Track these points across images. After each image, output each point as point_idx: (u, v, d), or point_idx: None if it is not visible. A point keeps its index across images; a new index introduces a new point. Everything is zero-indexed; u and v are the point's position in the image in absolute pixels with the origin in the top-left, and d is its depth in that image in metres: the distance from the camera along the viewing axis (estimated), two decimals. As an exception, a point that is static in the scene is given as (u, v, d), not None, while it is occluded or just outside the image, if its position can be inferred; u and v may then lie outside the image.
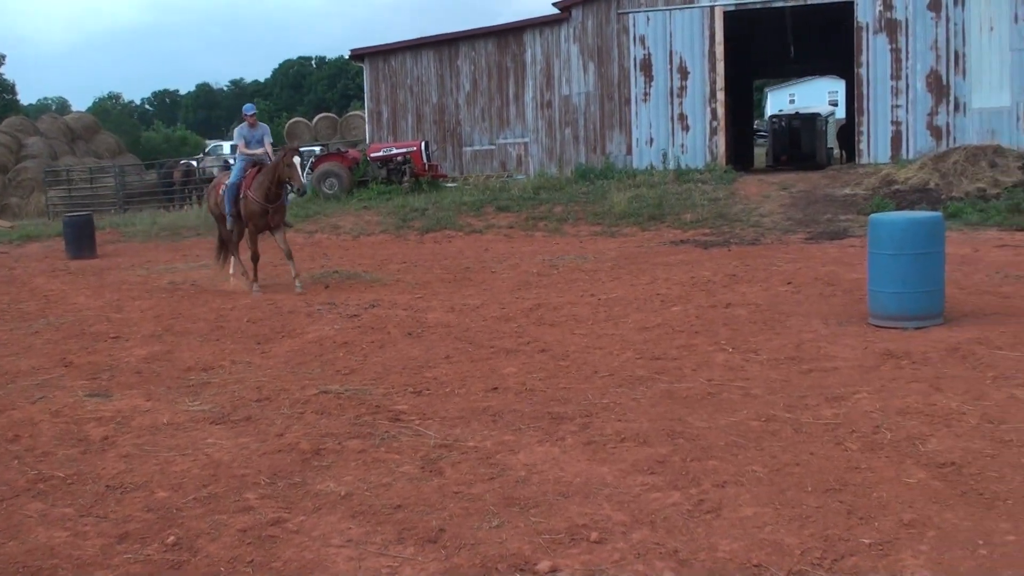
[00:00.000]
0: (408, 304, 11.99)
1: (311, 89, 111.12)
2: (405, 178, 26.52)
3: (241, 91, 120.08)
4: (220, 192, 14.96)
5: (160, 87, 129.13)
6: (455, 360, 8.83)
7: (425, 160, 27.03)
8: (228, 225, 14.69)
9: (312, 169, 27.86)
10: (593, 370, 8.20)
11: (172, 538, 4.91)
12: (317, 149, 36.06)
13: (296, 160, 13.76)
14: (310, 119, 44.69)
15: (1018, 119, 24.54)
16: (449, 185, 27.55)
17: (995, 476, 5.25)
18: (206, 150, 50.87)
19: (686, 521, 4.87)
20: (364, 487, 5.54)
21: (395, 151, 27.25)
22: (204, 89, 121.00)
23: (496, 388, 7.72)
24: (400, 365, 8.68)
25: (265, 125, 15.31)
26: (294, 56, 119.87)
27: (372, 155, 27.55)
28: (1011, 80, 24.69)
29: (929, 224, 9.43)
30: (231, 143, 13.13)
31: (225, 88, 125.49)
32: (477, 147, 29.52)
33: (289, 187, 14.04)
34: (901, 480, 5.27)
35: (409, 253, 18.32)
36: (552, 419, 6.75)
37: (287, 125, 44.77)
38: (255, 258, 14.31)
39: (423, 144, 27.35)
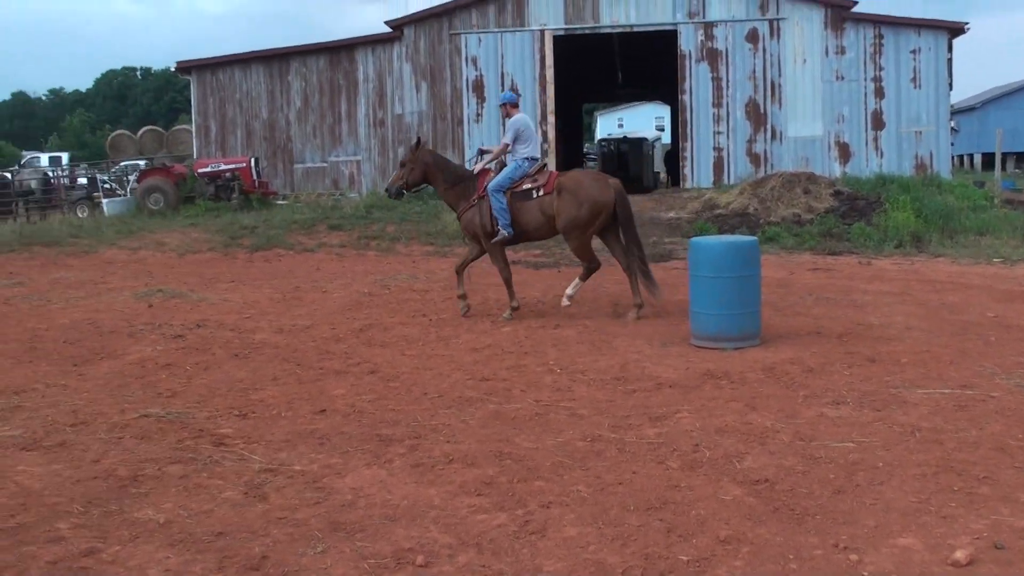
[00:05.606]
0: (235, 324, 11.71)
1: (136, 101, 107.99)
2: (233, 195, 26.05)
3: (61, 100, 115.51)
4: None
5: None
6: (282, 382, 8.67)
7: (255, 177, 26.64)
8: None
9: (137, 183, 27.03)
10: (422, 391, 8.18)
11: (-25, 574, 4.66)
12: (142, 163, 35.09)
13: None
14: (135, 132, 43.15)
15: (829, 148, 25.87)
16: (279, 203, 27.15)
17: (805, 492, 5.49)
18: (22, 162, 48.71)
19: (512, 542, 4.91)
20: (184, 514, 5.37)
21: (223, 167, 26.74)
22: (20, 98, 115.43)
23: (324, 410, 7.62)
24: (225, 387, 8.47)
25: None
26: (118, 66, 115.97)
27: (199, 171, 26.96)
28: (823, 110, 26.02)
29: (746, 248, 9.83)
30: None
31: (44, 98, 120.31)
32: (309, 164, 29.14)
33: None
34: (718, 497, 5.45)
35: (238, 272, 17.90)
36: (380, 441, 6.70)
37: (110, 138, 43.18)
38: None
39: (252, 160, 26.92)
